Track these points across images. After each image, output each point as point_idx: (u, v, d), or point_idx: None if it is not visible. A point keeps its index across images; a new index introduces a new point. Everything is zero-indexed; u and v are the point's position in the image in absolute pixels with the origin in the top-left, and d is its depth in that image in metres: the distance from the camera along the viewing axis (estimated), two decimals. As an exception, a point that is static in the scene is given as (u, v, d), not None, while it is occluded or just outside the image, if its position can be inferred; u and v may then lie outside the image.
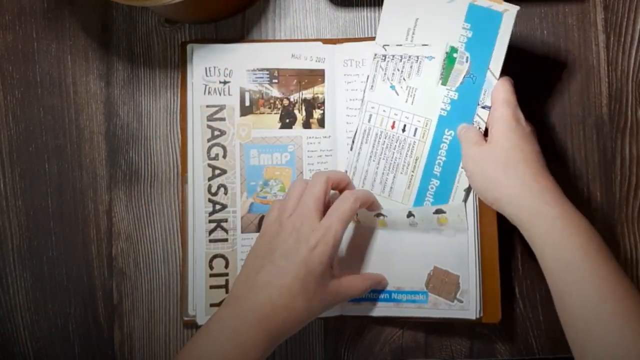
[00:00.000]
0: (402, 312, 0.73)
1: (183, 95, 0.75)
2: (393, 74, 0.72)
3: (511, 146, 0.64)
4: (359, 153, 0.73)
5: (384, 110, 0.73)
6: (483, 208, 0.71)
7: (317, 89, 0.75)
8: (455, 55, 0.70)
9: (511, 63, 0.77)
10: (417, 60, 0.72)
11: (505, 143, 0.64)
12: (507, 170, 0.63)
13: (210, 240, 0.74)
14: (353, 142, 0.74)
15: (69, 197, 0.77)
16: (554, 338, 0.76)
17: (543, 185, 0.62)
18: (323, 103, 0.75)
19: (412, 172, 0.72)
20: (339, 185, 0.72)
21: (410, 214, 0.72)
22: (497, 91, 0.68)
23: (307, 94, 0.75)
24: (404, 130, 0.72)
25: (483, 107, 0.69)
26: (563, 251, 0.59)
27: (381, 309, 0.73)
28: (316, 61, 0.75)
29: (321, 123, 0.75)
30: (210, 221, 0.74)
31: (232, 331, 0.61)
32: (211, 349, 0.61)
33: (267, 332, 0.62)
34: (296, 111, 0.75)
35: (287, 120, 0.75)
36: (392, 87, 0.72)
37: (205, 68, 0.75)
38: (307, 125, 0.75)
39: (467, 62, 0.70)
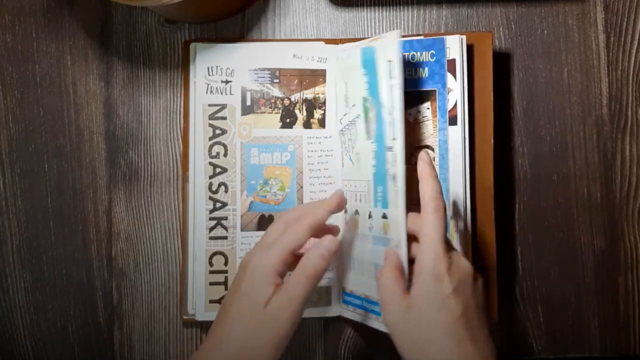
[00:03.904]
0: None
1: (186, 94, 0.75)
2: (348, 144, 0.71)
3: (430, 317, 0.59)
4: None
5: (346, 186, 0.72)
6: (481, 213, 0.72)
7: (318, 89, 0.75)
8: (367, 104, 0.67)
9: (511, 63, 0.78)
10: (354, 124, 0.70)
11: (423, 313, 0.59)
12: (429, 344, 0.58)
13: (211, 238, 0.74)
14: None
15: (68, 197, 0.77)
16: (554, 338, 0.76)
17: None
18: (324, 103, 0.75)
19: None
20: (324, 233, 0.65)
21: (370, 215, 0.68)
22: (427, 228, 0.60)
23: (308, 94, 0.75)
24: (361, 200, 0.69)
25: (389, 149, 0.64)
26: None
27: (375, 316, 0.72)
28: (318, 61, 0.75)
29: (322, 123, 0.75)
30: (211, 218, 0.74)
31: None
32: None
33: None
34: (297, 111, 0.75)
35: (288, 120, 0.75)
36: (350, 158, 0.71)
37: (208, 67, 0.75)
38: (307, 125, 0.75)
39: (373, 106, 0.66)
